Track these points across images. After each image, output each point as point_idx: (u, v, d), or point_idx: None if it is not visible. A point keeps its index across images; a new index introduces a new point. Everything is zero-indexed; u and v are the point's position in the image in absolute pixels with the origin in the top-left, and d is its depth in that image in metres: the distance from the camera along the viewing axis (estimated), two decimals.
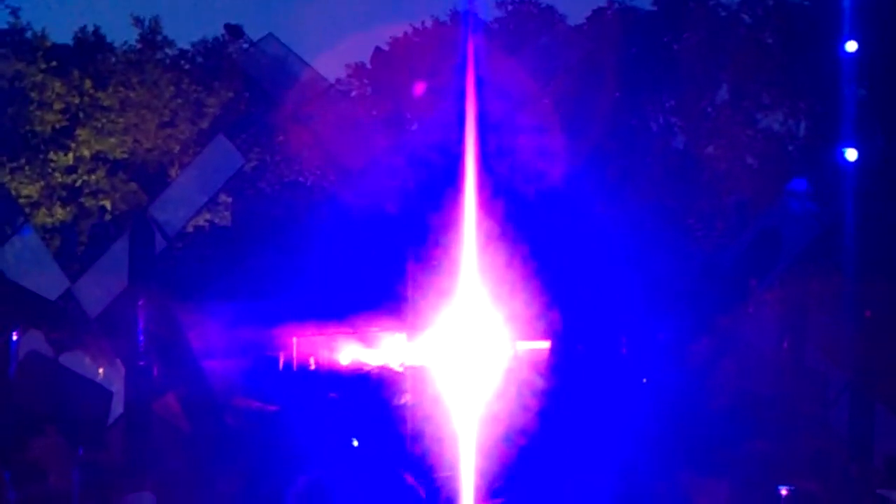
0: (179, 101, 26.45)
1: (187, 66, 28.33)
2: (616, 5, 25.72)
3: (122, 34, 29.19)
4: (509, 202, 15.56)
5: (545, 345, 14.80)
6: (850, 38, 12.97)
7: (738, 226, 17.90)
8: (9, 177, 25.31)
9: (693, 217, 20.61)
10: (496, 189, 15.17)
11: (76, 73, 26.29)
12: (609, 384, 13.74)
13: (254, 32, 22.42)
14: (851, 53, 14.59)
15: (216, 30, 30.75)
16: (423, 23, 29.22)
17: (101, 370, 14.94)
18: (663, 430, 12.90)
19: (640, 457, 12.14)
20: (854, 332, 14.51)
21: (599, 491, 11.43)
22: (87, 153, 25.68)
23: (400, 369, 15.40)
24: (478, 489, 12.02)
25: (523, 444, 12.66)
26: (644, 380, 14.17)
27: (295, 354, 15.99)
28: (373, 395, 14.70)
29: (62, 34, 29.78)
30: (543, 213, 16.15)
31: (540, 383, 13.89)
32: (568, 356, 14.14)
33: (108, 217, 24.50)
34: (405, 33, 29.12)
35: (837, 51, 14.77)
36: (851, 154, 15.09)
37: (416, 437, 13.36)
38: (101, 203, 25.24)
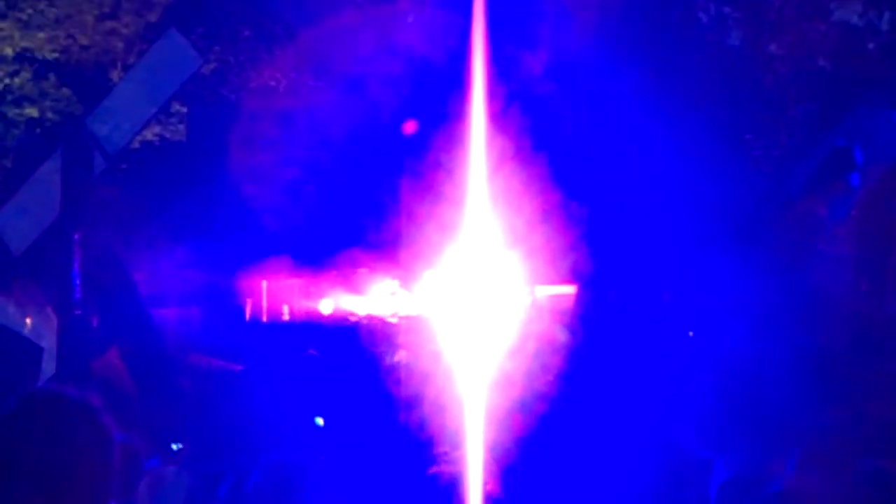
0: None
1: None
2: None
3: None
4: (528, 113, 15.40)
5: (570, 290, 14.74)
6: None
7: (807, 142, 17.73)
8: None
9: (751, 131, 20.43)
10: (512, 96, 15.00)
11: None
12: (648, 338, 13.67)
13: None
14: None
15: None
16: None
17: (28, 321, 14.87)
18: (714, 396, 12.77)
19: (684, 428, 12.01)
20: None
21: (634, 468, 11.31)
22: (9, 51, 25.51)
23: (393, 320, 15.37)
24: (487, 467, 11.90)
25: (542, 413, 12.53)
26: (690, 333, 14.11)
27: (265, 302, 16.02)
28: (360, 351, 14.65)
29: None
30: (569, 127, 15.99)
31: (563, 337, 13.81)
32: (598, 304, 14.06)
33: (36, 131, 24.41)
34: None
35: None
36: None
37: (413, 403, 13.27)
38: (28, 113, 25.05)
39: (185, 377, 14.32)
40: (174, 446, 13.10)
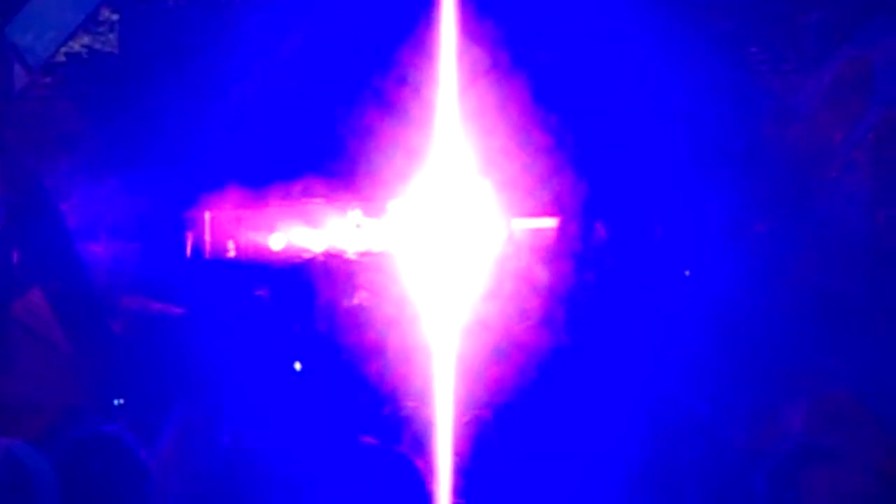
0: None
1: None
2: None
3: None
4: (503, 21, 15.25)
5: (552, 223, 14.69)
6: None
7: (818, 56, 17.61)
8: None
9: (755, 44, 20.30)
10: (486, 3, 14.84)
11: None
12: (640, 277, 13.64)
13: None
14: None
15: None
16: None
17: None
18: (713, 342, 12.73)
19: (680, 378, 11.95)
20: None
21: (624, 426, 11.23)
22: None
23: (353, 257, 15.30)
24: (458, 425, 11.81)
25: (521, 362, 12.44)
26: (687, 272, 14.08)
27: (207, 236, 15.91)
28: (315, 292, 14.54)
29: None
30: (550, 38, 15.84)
31: (544, 276, 13.75)
32: (583, 239, 14.00)
33: None
34: None
35: None
36: None
37: (375, 351, 13.19)
38: None
39: (116, 321, 14.22)
40: (116, 402, 13.03)
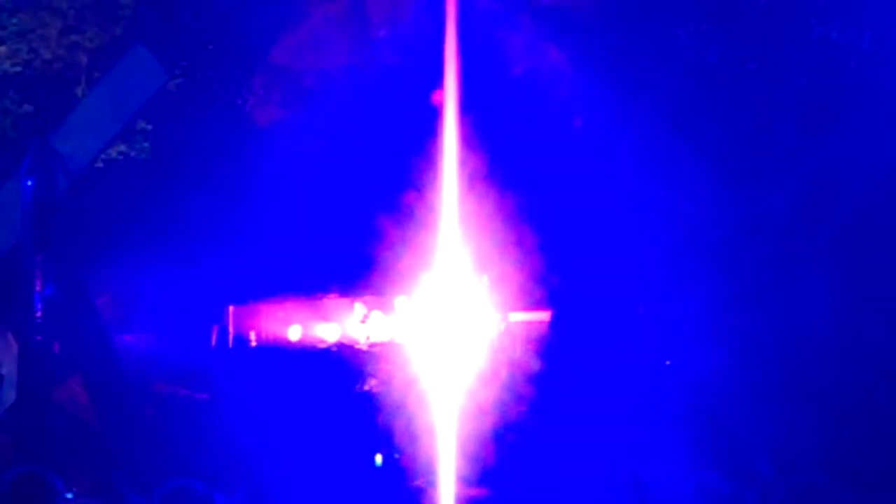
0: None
1: None
2: None
3: None
4: (501, 134, 15.43)
5: (543, 317, 14.76)
6: None
7: (788, 163, 17.77)
8: None
9: (731, 151, 20.45)
10: (484, 117, 15.02)
11: None
12: (623, 367, 13.69)
13: None
14: None
15: None
16: None
17: None
18: (690, 428, 12.83)
19: (658, 460, 12.08)
20: None
21: (606, 500, 11.38)
22: None
23: (364, 347, 15.35)
24: (460, 497, 11.98)
25: (515, 443, 12.61)
26: (667, 362, 14.12)
27: (231, 328, 15.92)
28: (330, 379, 14.65)
29: None
30: (543, 148, 16.00)
31: (536, 365, 13.84)
32: (571, 332, 14.08)
33: None
34: None
35: None
36: None
37: (385, 432, 13.31)
38: None
39: (148, 405, 14.31)
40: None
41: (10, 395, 14.28)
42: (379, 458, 12.66)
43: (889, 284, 15.03)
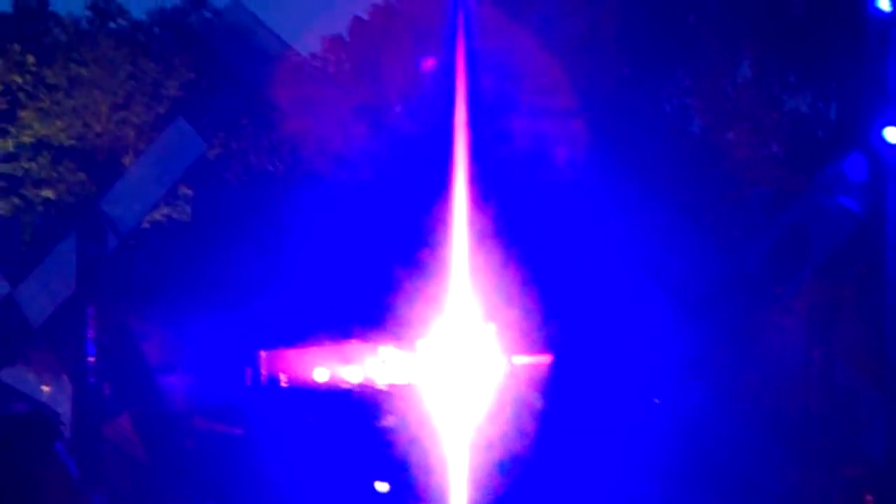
0: (134, 80, 26.23)
1: (143, 40, 28.07)
2: None
3: (70, 2, 29.05)
4: (505, 196, 15.48)
5: (544, 360, 14.72)
6: None
7: (762, 222, 17.77)
8: None
9: (711, 212, 20.49)
10: (490, 182, 15.08)
11: (17, 47, 26.17)
12: (617, 404, 13.66)
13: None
14: (887, 13, 14.24)
15: None
16: None
17: (46, 388, 14.88)
18: (678, 457, 12.81)
19: (651, 488, 12.08)
20: (892, 345, 14.37)
21: None
22: (29, 138, 25.47)
23: (382, 387, 15.31)
24: None
25: (519, 474, 12.59)
26: (657, 400, 14.09)
27: (263, 370, 15.88)
28: (353, 416, 14.61)
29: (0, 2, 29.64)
30: (543, 209, 16.06)
31: (539, 403, 13.81)
32: (571, 372, 14.05)
33: (53, 211, 24.39)
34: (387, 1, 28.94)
35: (870, 12, 14.44)
36: (892, 134, 14.68)
37: (401, 465, 13.28)
38: (45, 195, 24.97)
39: (189, 440, 14.29)
40: None
41: (66, 432, 14.29)
42: (385, 486, 12.62)
43: (850, 329, 15.02)
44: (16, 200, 25.57)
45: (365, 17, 29.40)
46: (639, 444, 13.02)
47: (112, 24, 27.63)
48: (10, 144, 25.69)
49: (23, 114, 25.82)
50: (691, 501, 12.50)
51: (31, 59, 26.15)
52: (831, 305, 15.39)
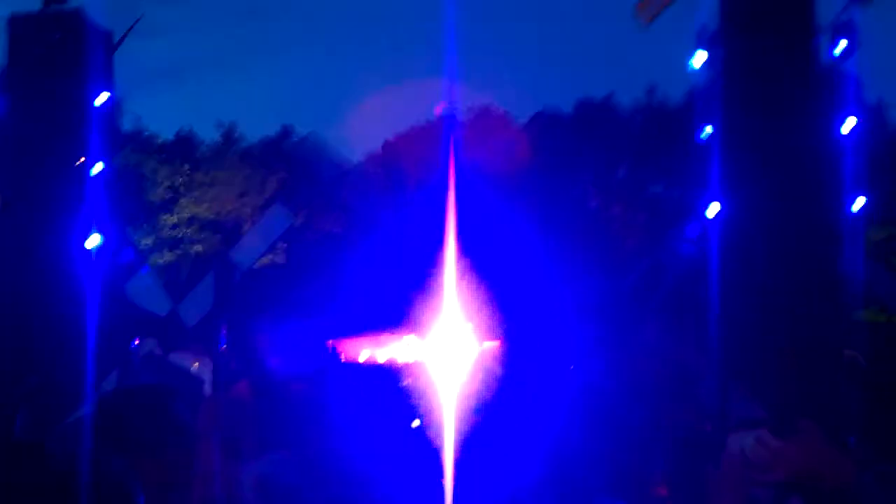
0: (250, 179, 26.79)
1: (256, 153, 28.71)
2: (546, 112, 26.32)
3: (209, 133, 29.70)
4: (479, 246, 15.73)
5: (501, 344, 14.83)
6: (704, 125, 13.13)
7: (635, 260, 17.97)
8: (134, 232, 25.51)
9: (603, 253, 20.81)
10: (470, 237, 15.31)
11: (178, 160, 26.67)
12: (546, 371, 13.68)
13: (303, 127, 23.10)
14: (705, 139, 14.54)
15: (275, 128, 31.26)
16: (421, 121, 29.54)
17: (195, 365, 14.98)
18: (589, 409, 12.78)
19: (573, 432, 12.00)
20: (714, 336, 14.43)
21: (531, 459, 11.24)
22: (186, 215, 26.02)
23: (404, 363, 15.42)
24: (455, 444, 11.91)
25: (487, 414, 12.60)
26: (571, 367, 14.11)
27: (331, 353, 15.93)
28: (383, 381, 14.66)
29: (168, 130, 30.31)
30: (503, 253, 16.28)
31: (499, 372, 13.85)
32: (517, 352, 14.10)
33: (200, 259, 24.67)
34: (411, 128, 29.37)
35: (697, 136, 14.74)
36: (712, 209, 14.91)
37: (416, 409, 13.32)
38: (195, 250, 25.47)
39: (286, 397, 14.32)
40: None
41: (207, 391, 14.33)
42: (417, 422, 12.48)
43: (694, 328, 15.07)
44: (178, 253, 25.93)
45: (392, 139, 29.77)
46: (562, 397, 13.04)
47: (235, 146, 28.21)
48: (174, 219, 26.13)
49: (182, 200, 26.30)
50: (597, 440, 12.37)
51: (186, 167, 26.65)
52: (680, 312, 15.48)
